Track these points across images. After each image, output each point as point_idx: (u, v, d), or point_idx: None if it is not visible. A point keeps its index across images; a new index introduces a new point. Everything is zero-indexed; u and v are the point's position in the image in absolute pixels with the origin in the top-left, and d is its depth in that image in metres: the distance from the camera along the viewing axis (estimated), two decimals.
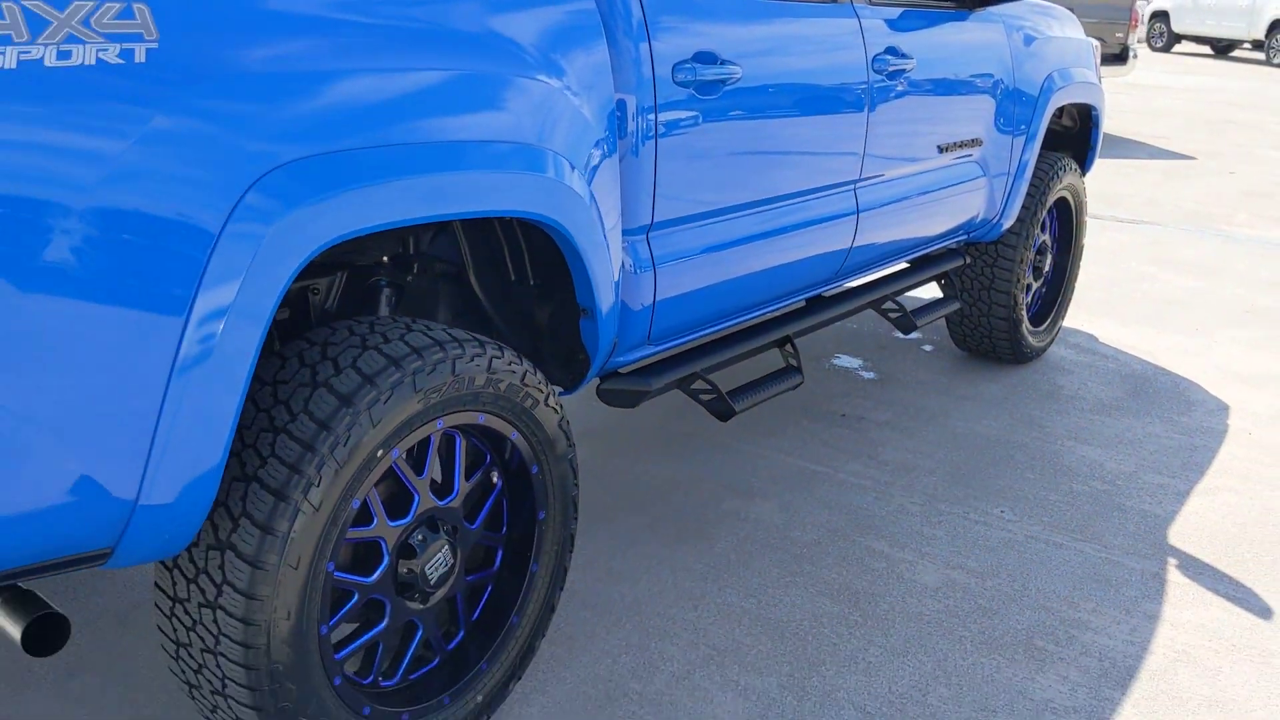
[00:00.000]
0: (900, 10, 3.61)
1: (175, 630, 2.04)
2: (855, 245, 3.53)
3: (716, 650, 2.79)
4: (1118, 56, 11.99)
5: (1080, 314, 5.65)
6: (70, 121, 1.57)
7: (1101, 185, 9.15)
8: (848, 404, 4.41)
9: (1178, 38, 28.28)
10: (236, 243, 1.74)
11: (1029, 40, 4.39)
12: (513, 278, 2.66)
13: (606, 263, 2.51)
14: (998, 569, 3.24)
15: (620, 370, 2.94)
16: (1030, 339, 4.86)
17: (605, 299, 2.55)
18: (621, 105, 2.54)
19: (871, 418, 4.29)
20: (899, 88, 3.53)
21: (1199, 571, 3.30)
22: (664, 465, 3.77)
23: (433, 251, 2.72)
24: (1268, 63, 25.82)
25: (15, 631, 1.81)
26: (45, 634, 1.82)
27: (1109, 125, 13.09)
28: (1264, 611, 3.11)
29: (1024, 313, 4.74)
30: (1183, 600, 3.13)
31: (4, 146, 1.51)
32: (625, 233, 2.64)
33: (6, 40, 1.52)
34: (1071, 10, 12.26)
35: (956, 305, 4.41)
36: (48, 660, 2.62)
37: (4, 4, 1.52)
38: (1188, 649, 2.91)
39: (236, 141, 1.75)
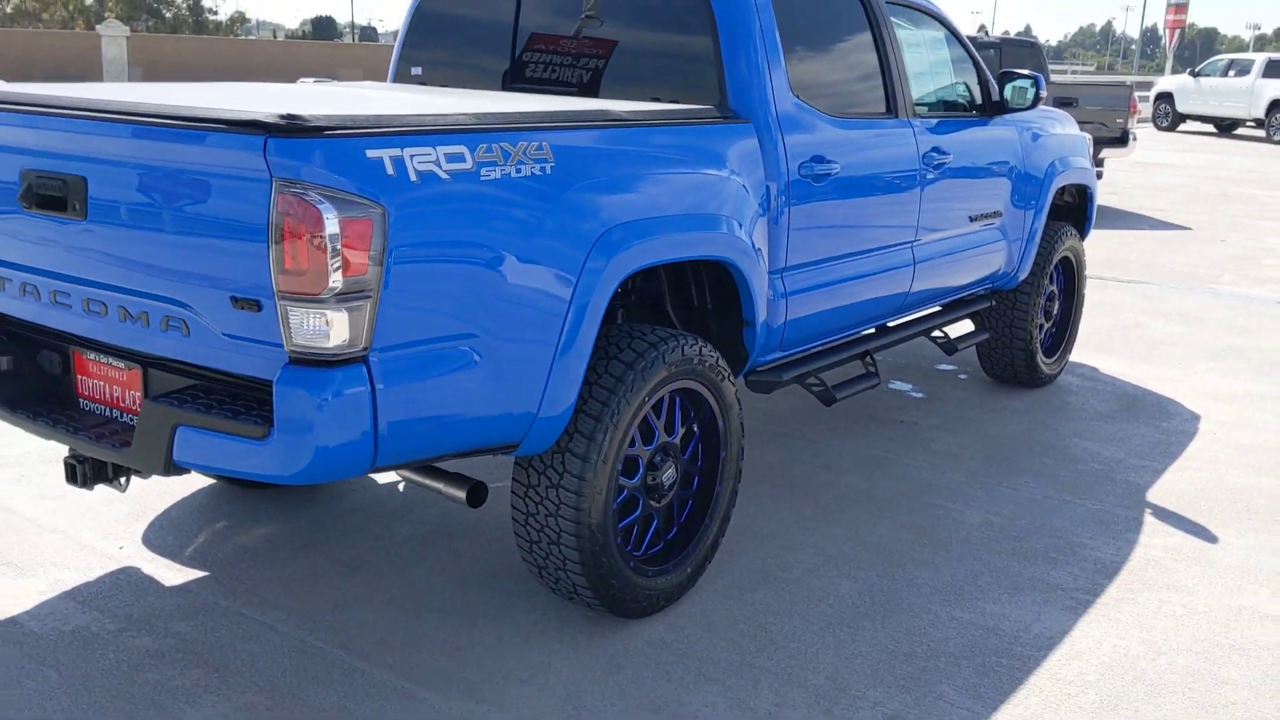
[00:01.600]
0: (939, 120, 5.01)
1: (526, 505, 3.37)
2: (912, 288, 4.90)
3: (831, 557, 4.10)
4: (1119, 139, 13.43)
5: (1084, 352, 6.98)
6: (521, 201, 2.97)
7: (1106, 253, 10.52)
8: (904, 414, 5.75)
9: (1182, 117, 29.77)
10: (589, 274, 3.12)
11: (1035, 137, 5.79)
12: (695, 303, 4.03)
13: (762, 290, 3.88)
14: (1022, 515, 4.55)
15: (759, 368, 4.29)
16: (1044, 367, 6.19)
17: (760, 315, 3.91)
18: (769, 189, 3.93)
19: (923, 423, 5.62)
20: (941, 176, 4.92)
21: (1167, 517, 4.59)
22: (773, 453, 5.10)
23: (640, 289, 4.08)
24: (1268, 140, 27.28)
25: (460, 492, 3.18)
26: (478, 493, 3.18)
27: (1116, 199, 14.52)
28: (1211, 539, 4.40)
29: (1038, 345, 6.08)
30: (1154, 532, 4.43)
31: (503, 218, 2.90)
32: (769, 272, 4.00)
33: (492, 165, 2.91)
34: (1077, 99, 13.90)
35: (987, 335, 5.78)
36: (389, 548, 3.96)
37: (489, 144, 2.92)
38: (1155, 559, 4.20)
39: (589, 217, 3.14)
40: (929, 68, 5.10)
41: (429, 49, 4.71)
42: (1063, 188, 6.24)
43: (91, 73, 26.58)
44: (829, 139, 4.23)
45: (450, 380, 2.91)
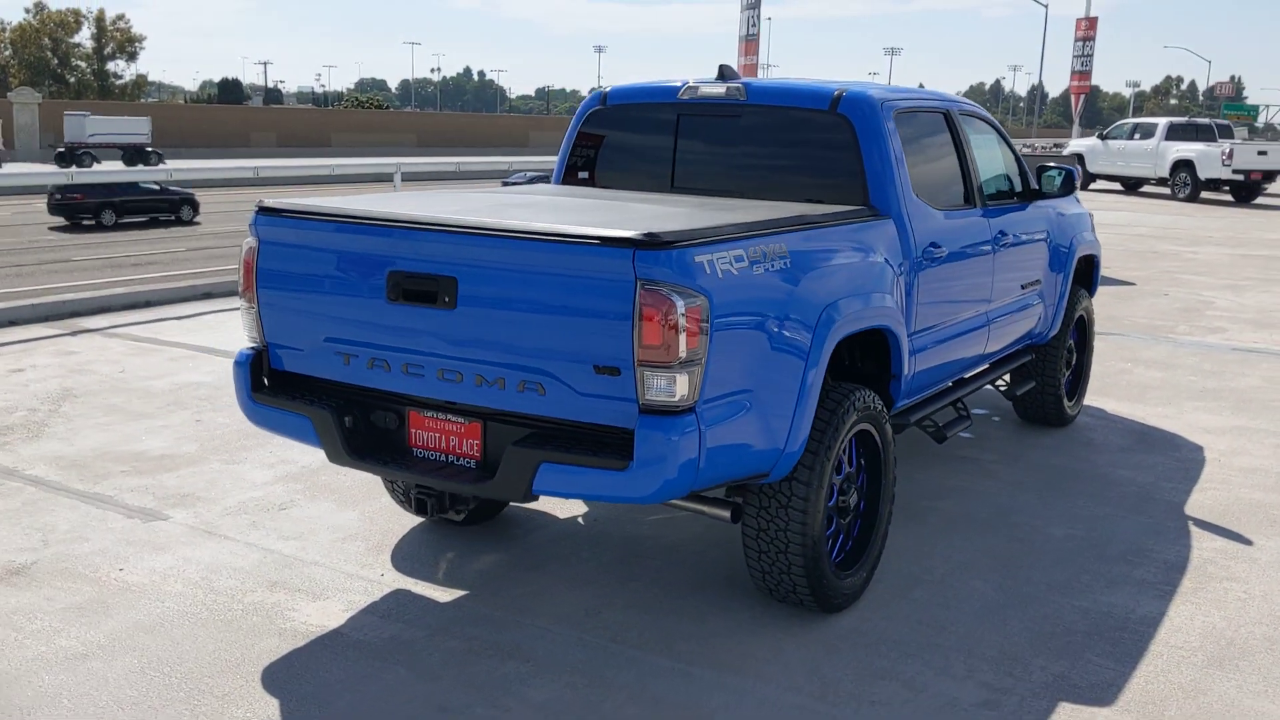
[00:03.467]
0: (999, 207, 6.08)
1: (759, 523, 4.27)
2: (987, 346, 5.94)
3: (959, 565, 5.07)
4: None
5: (1087, 397, 8.10)
6: (774, 287, 3.93)
7: None
8: (963, 451, 6.77)
9: (1092, 177, 31.78)
10: (817, 341, 4.09)
11: (1061, 216, 6.92)
12: (846, 362, 4.99)
13: (904, 350, 4.87)
14: (1093, 528, 5.57)
15: (894, 413, 5.27)
16: (1067, 409, 7.29)
17: (904, 370, 4.90)
18: (903, 267, 4.93)
19: (982, 458, 6.66)
20: (1004, 253, 5.98)
21: (1206, 526, 5.65)
22: None
23: None
24: (1173, 197, 29.34)
25: (724, 512, 4.09)
26: (738, 513, 4.10)
27: None
28: (1247, 542, 5.46)
29: (1064, 391, 7.17)
30: (1201, 538, 5.48)
31: (765, 301, 3.86)
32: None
33: (758, 261, 3.87)
34: None
35: (1033, 384, 6.86)
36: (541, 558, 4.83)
37: (754, 246, 3.88)
38: (1209, 558, 5.24)
39: (814, 298, 4.11)
40: (987, 164, 6.18)
41: (595, 156, 5.66)
42: (1081, 256, 7.36)
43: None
44: (938, 227, 5.26)
45: (737, 424, 3.84)
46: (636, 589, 4.75)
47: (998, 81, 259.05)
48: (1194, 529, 5.61)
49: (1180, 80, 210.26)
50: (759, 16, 18.36)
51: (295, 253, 4.21)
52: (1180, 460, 6.74)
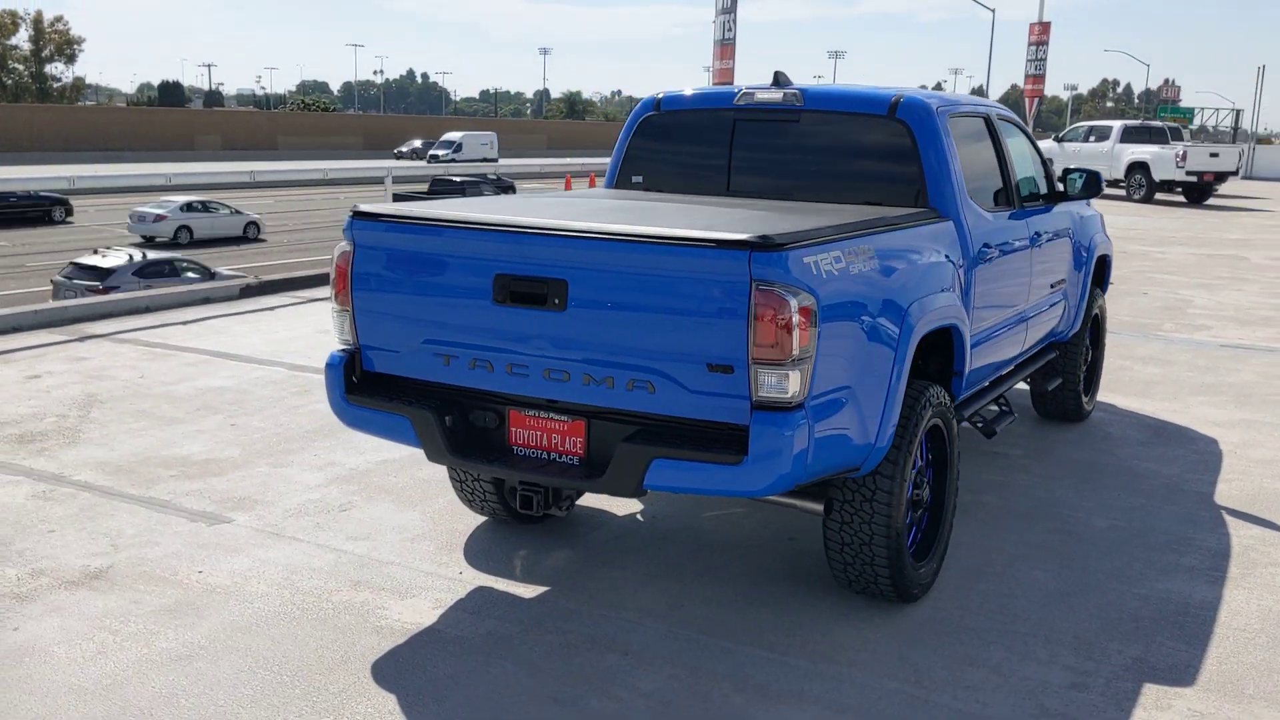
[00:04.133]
0: (1033, 209, 6.27)
1: (843, 516, 4.41)
2: (1025, 342, 6.13)
3: (1014, 556, 5.23)
4: None
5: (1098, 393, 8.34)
6: (866, 286, 4.07)
7: None
8: (993, 448, 6.96)
9: None
10: (903, 337, 4.23)
11: (1079, 219, 7.14)
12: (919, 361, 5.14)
13: (967, 347, 5.03)
14: (1134, 519, 5.77)
15: None
16: (1085, 405, 7.50)
17: (966, 366, 5.06)
18: (961, 267, 5.09)
19: (1012, 454, 6.85)
20: (1039, 252, 6.18)
21: (1238, 515, 5.87)
22: None
23: None
24: (1128, 198, 29.96)
25: (818, 505, 4.22)
26: (830, 506, 4.23)
27: None
28: (1276, 528, 5.69)
29: (1082, 387, 7.39)
30: (1236, 526, 5.70)
31: (860, 299, 4.00)
32: None
33: (853, 262, 4.01)
34: None
35: (1060, 380, 7.06)
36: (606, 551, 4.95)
37: (849, 248, 4.01)
38: (1249, 545, 5.46)
39: (900, 296, 4.26)
40: (1021, 166, 6.37)
41: (648, 160, 5.77)
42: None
43: None
44: (989, 228, 5.43)
45: (839, 419, 3.97)
46: (711, 584, 4.87)
47: (939, 84, 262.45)
48: (1228, 518, 5.83)
49: (1117, 84, 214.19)
50: (735, 21, 18.54)
51: (395, 257, 4.28)
52: (1199, 453, 6.98)
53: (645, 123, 5.77)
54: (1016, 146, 6.31)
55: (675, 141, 5.73)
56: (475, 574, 4.91)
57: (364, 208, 4.36)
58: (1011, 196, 5.94)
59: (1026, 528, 5.60)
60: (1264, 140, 76.44)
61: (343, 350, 4.49)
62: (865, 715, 3.85)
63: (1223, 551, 5.37)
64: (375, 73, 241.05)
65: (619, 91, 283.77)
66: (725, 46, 18.78)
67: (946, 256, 4.90)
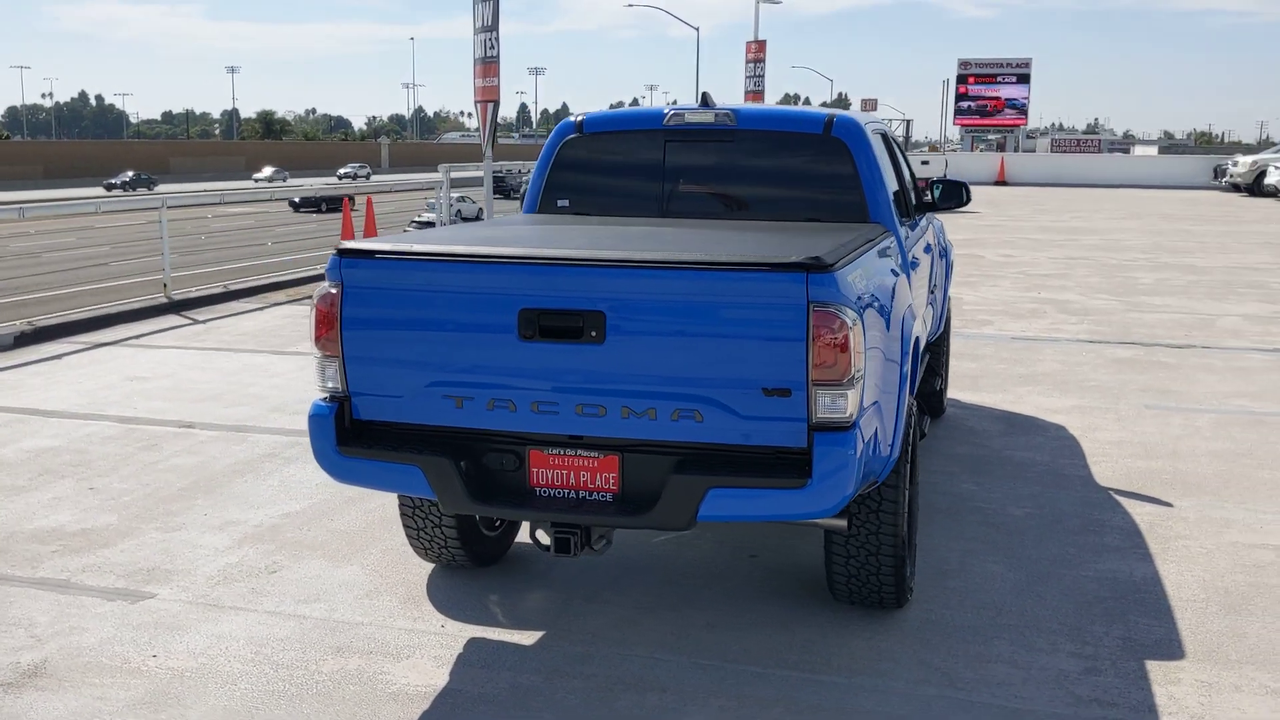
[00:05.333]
0: (918, 218, 6.57)
1: (855, 523, 4.45)
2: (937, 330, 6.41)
3: (964, 552, 5.45)
4: None
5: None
6: (883, 302, 4.14)
7: None
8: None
9: None
10: (911, 348, 4.34)
11: (938, 225, 7.54)
12: None
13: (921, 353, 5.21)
14: (1041, 506, 6.13)
15: None
16: (945, 401, 7.93)
17: (918, 372, 5.23)
18: (899, 279, 5.27)
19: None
20: (931, 258, 6.47)
21: (1125, 494, 6.33)
22: None
23: None
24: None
25: (842, 521, 4.25)
26: (851, 521, 4.27)
27: None
28: (1166, 504, 6.18)
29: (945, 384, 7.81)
30: (1131, 504, 6.15)
31: (879, 316, 4.06)
32: None
33: (868, 280, 4.08)
34: None
35: (938, 378, 7.42)
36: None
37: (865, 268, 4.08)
38: (1151, 521, 5.91)
39: (898, 307, 4.36)
40: (909, 178, 6.67)
41: (573, 184, 5.64)
42: None
43: None
44: (909, 237, 5.65)
45: (875, 432, 4.03)
46: (703, 610, 4.81)
47: (636, 100, 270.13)
48: (1118, 499, 6.30)
49: (799, 97, 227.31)
50: (498, 39, 18.40)
51: (394, 296, 3.99)
52: (1056, 439, 7.51)
53: (568, 145, 5.64)
54: (901, 159, 6.59)
55: (602, 164, 5.64)
56: (459, 626, 4.65)
57: (352, 245, 4.05)
58: (909, 208, 6.20)
59: (957, 524, 5.85)
60: (934, 148, 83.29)
61: (328, 399, 4.15)
62: None
63: (1132, 530, 5.80)
64: (43, 95, 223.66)
65: (314, 109, 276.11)
66: (489, 64, 18.58)
67: (893, 266, 5.06)
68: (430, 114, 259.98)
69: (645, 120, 5.55)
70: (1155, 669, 4.30)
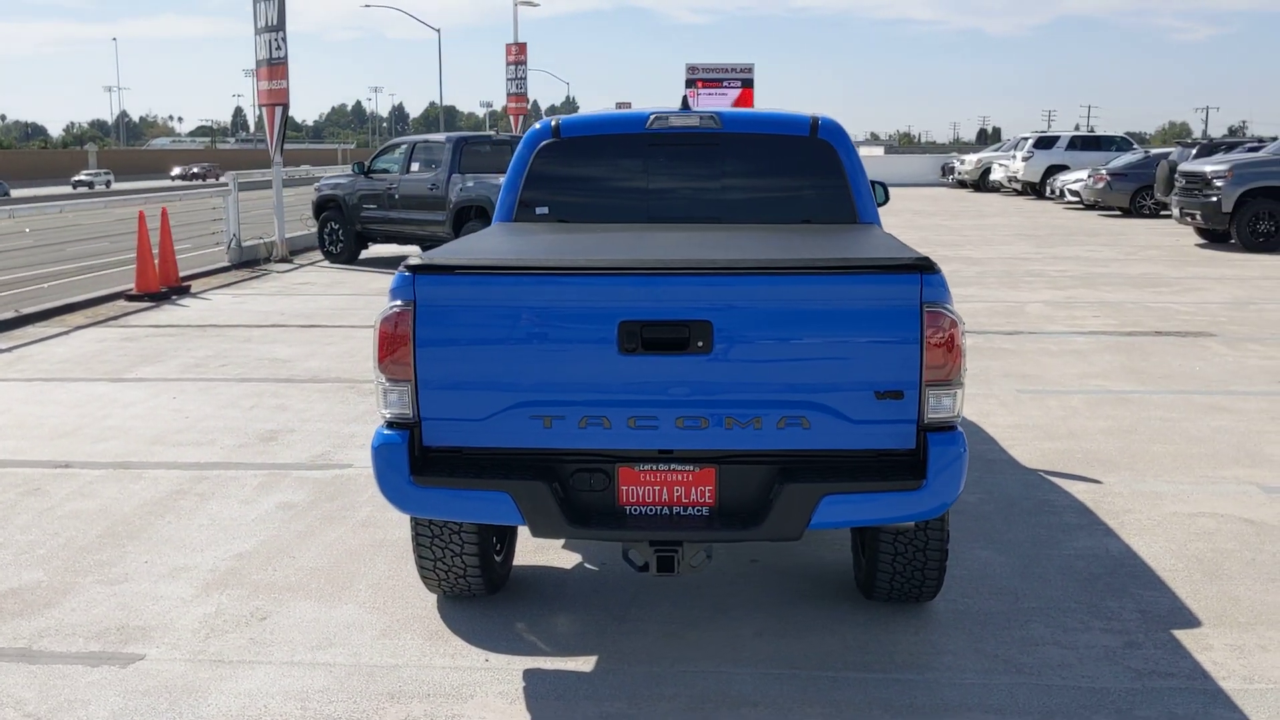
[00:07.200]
0: None
1: (897, 535, 4.49)
2: None
3: (951, 539, 5.62)
4: None
5: None
6: None
7: None
8: None
9: None
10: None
11: None
12: None
13: None
14: (987, 493, 6.38)
15: None
16: None
17: None
18: None
19: None
20: None
21: (1056, 475, 6.68)
22: None
23: None
24: None
25: (909, 521, 4.29)
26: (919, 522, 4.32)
27: None
28: (1097, 482, 6.57)
29: None
30: (1067, 484, 6.50)
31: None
32: None
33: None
34: None
35: None
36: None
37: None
38: (1096, 498, 6.26)
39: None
40: None
41: (551, 190, 5.44)
42: None
43: None
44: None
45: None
46: (739, 619, 4.75)
47: (359, 103, 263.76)
48: (1051, 479, 6.65)
49: (539, 103, 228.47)
50: (284, 39, 17.57)
51: (475, 314, 3.74)
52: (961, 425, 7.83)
53: (544, 150, 5.44)
54: None
55: (582, 169, 5.47)
56: (504, 659, 4.41)
57: (424, 260, 3.76)
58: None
59: None
60: None
61: (396, 428, 3.84)
62: (1030, 713, 3.98)
63: (1081, 508, 6.13)
64: None
65: (3, 116, 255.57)
66: (276, 66, 17.68)
67: None
68: (136, 119, 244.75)
69: (627, 124, 5.43)
70: (1185, 638, 4.56)
